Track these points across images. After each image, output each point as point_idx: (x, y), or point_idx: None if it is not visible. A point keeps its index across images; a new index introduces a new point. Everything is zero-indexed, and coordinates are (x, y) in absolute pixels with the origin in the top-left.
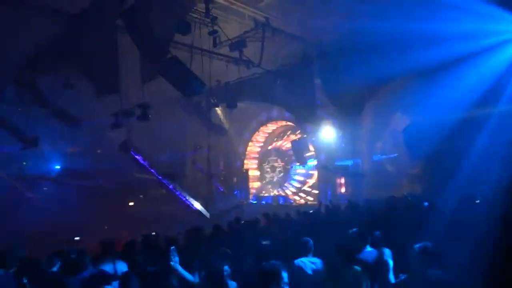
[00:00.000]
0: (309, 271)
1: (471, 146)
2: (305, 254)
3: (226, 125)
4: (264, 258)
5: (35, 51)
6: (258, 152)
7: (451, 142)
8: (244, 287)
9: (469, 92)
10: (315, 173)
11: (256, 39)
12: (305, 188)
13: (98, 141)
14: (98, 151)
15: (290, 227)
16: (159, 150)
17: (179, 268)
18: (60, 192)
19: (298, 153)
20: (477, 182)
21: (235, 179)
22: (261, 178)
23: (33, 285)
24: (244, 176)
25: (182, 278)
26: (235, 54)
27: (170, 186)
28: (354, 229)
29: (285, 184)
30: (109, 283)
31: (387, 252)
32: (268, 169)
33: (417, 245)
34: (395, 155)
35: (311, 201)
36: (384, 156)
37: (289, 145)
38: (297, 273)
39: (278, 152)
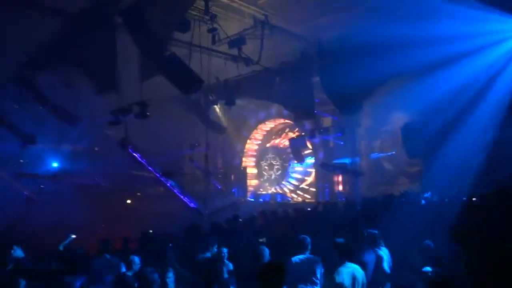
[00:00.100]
0: (305, 268)
1: (468, 143)
2: (302, 252)
3: (224, 122)
4: (261, 255)
5: (34, 50)
6: (256, 150)
7: (448, 140)
8: (241, 283)
9: (466, 90)
10: (313, 171)
11: (255, 37)
12: (303, 186)
13: (96, 139)
14: (96, 148)
15: (288, 225)
16: (157, 147)
17: (177, 266)
18: (57, 190)
19: (296, 151)
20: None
21: (233, 177)
22: (259, 176)
23: (30, 284)
24: (242, 174)
25: (180, 276)
26: (234, 51)
27: (168, 184)
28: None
29: (283, 182)
30: (105, 283)
31: (384, 250)
32: (266, 167)
33: (417, 244)
34: (393, 153)
35: (308, 199)
36: (382, 154)
37: (287, 143)
38: (294, 270)
39: (276, 150)
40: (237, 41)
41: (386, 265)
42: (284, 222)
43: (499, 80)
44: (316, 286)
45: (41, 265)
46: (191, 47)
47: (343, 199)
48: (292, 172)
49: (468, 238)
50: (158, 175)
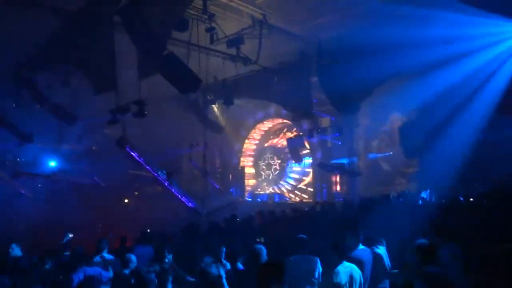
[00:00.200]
0: (303, 268)
1: (466, 143)
2: (300, 251)
3: (222, 122)
4: (259, 255)
5: (32, 49)
6: (254, 150)
7: (446, 140)
8: (239, 283)
9: (461, 91)
10: (311, 171)
11: (253, 36)
12: (301, 186)
13: (94, 138)
14: (94, 148)
15: (286, 225)
16: (155, 147)
17: (175, 266)
18: (55, 189)
19: (294, 151)
20: (471, 180)
21: (231, 177)
22: (256, 175)
23: (26, 283)
24: (240, 174)
25: (177, 276)
26: (232, 51)
27: (166, 183)
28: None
29: (281, 182)
30: (103, 283)
31: (382, 249)
32: (264, 167)
33: (412, 242)
34: (390, 153)
35: (306, 199)
36: (379, 155)
37: (285, 143)
38: (292, 270)
39: (274, 149)
40: (236, 41)
41: (384, 263)
42: (282, 222)
43: (492, 80)
44: (314, 285)
45: (39, 263)
46: (189, 47)
47: (341, 199)
48: (290, 172)
49: (466, 238)
50: (156, 174)
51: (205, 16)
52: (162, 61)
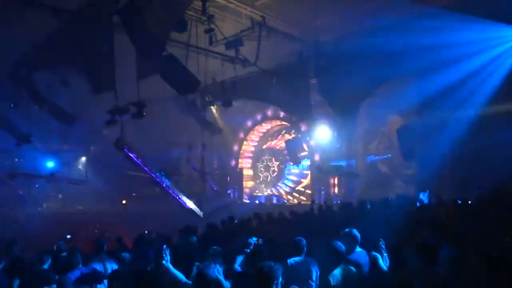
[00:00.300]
0: (301, 271)
1: (465, 147)
2: (297, 254)
3: (220, 123)
4: (257, 257)
5: (31, 48)
6: (253, 152)
7: (444, 142)
8: (236, 286)
9: (463, 93)
10: (309, 173)
11: (252, 38)
12: (299, 188)
13: (92, 139)
14: (92, 148)
15: (283, 227)
16: (153, 148)
17: (171, 268)
18: (52, 189)
19: (292, 153)
20: (470, 183)
21: (228, 178)
22: (255, 177)
23: (23, 282)
24: (238, 175)
25: (174, 278)
26: (231, 52)
27: (164, 185)
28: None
29: (279, 184)
30: (100, 282)
31: (379, 252)
32: (262, 169)
33: (412, 243)
34: (389, 155)
35: (304, 201)
36: (377, 157)
37: (283, 144)
38: (289, 272)
39: (273, 151)
40: (234, 42)
41: (382, 265)
42: (279, 224)
43: (490, 82)
44: None
45: (36, 264)
46: (188, 48)
47: (339, 201)
48: (288, 174)
49: (466, 239)
50: (154, 176)
51: (204, 18)
52: (161, 62)
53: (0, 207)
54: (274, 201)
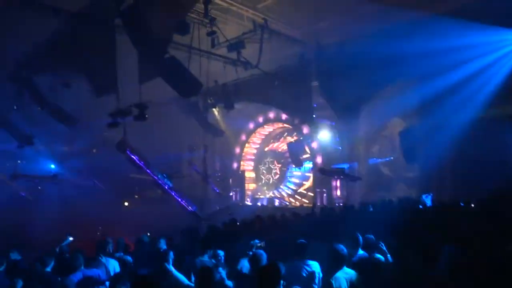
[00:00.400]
0: (303, 273)
1: (467, 149)
2: (299, 256)
3: (222, 126)
4: (259, 259)
5: (33, 50)
6: (255, 154)
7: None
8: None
9: (464, 96)
10: (311, 175)
11: (254, 41)
12: (301, 190)
13: (94, 141)
14: (94, 150)
15: (285, 229)
16: (155, 150)
17: (173, 270)
18: (55, 191)
19: (294, 156)
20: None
21: (231, 181)
22: (257, 179)
23: (26, 285)
24: (240, 178)
25: (176, 281)
26: (233, 55)
27: (166, 187)
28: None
29: (281, 186)
30: (102, 284)
31: (381, 255)
32: (264, 171)
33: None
34: (391, 158)
35: (306, 203)
36: (380, 160)
37: (285, 147)
38: (291, 275)
39: (275, 154)
40: (236, 45)
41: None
42: (282, 226)
43: (490, 85)
44: None
45: (37, 266)
46: (190, 50)
47: (341, 204)
48: (290, 177)
49: (468, 241)
50: (156, 178)
51: (207, 20)
52: (163, 64)
53: (2, 208)
54: (276, 203)
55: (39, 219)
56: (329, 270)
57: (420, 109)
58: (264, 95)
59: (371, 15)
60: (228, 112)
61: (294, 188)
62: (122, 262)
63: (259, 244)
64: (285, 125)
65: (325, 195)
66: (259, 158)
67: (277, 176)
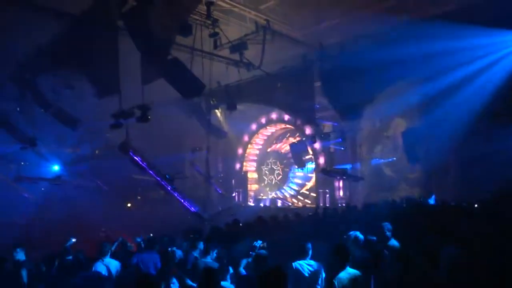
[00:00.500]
0: (306, 274)
1: (470, 150)
2: (302, 257)
3: (225, 127)
4: (261, 261)
5: (36, 51)
6: (257, 155)
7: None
8: None
9: (467, 99)
10: (314, 176)
11: (256, 42)
12: (304, 191)
13: (97, 142)
14: (97, 152)
15: (288, 230)
16: (158, 151)
17: (177, 271)
18: (58, 193)
19: (296, 156)
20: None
21: (233, 181)
22: (259, 180)
23: (30, 285)
24: (243, 179)
25: (181, 281)
26: (236, 56)
27: (169, 188)
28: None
29: (284, 187)
30: (105, 285)
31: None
32: (267, 172)
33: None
34: (394, 158)
35: (309, 204)
36: (382, 160)
37: (288, 148)
38: (295, 276)
39: (277, 154)
40: (239, 46)
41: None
42: (284, 227)
43: (492, 87)
44: None
45: (42, 267)
46: (193, 52)
47: (344, 204)
48: (293, 177)
49: (470, 242)
50: (158, 179)
51: (209, 22)
52: (165, 66)
53: (6, 210)
54: (279, 204)
55: (43, 220)
56: (332, 270)
57: (423, 110)
58: (266, 96)
59: (373, 17)
60: (231, 113)
61: (297, 188)
62: (124, 263)
63: (261, 245)
64: (288, 126)
65: (327, 195)
66: (262, 159)
67: (280, 176)
